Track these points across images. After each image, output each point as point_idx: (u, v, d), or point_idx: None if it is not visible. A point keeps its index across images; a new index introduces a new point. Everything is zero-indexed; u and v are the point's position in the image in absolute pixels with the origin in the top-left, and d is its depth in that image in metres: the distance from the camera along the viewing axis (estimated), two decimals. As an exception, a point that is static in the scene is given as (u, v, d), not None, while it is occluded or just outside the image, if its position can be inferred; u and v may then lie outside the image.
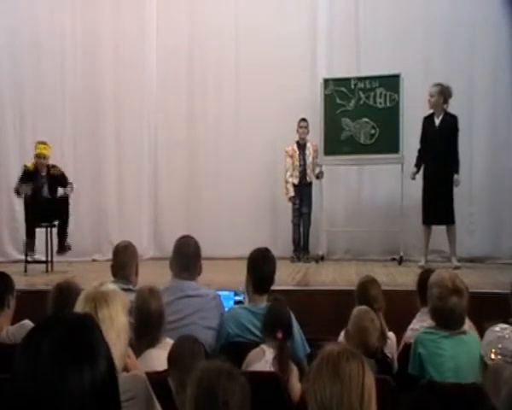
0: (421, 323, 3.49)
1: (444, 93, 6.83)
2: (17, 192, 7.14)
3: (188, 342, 2.55)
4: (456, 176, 6.76)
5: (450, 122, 6.82)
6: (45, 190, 7.22)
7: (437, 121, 6.89)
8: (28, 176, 7.16)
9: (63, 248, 7.24)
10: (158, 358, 2.74)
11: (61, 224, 7.23)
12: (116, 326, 1.98)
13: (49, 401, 1.07)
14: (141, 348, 2.79)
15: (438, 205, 6.78)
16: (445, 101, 6.86)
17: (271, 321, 3.09)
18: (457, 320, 2.95)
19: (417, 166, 6.99)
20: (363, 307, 3.22)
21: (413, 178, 7.02)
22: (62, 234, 7.26)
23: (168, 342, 2.87)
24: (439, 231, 7.01)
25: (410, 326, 3.60)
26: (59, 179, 7.27)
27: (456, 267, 6.37)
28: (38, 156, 7.19)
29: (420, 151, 7.01)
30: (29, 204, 7.08)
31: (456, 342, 2.92)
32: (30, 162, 7.32)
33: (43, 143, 7.25)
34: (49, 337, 1.11)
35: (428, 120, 6.96)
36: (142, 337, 2.81)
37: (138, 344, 2.80)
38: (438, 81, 6.97)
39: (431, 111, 6.95)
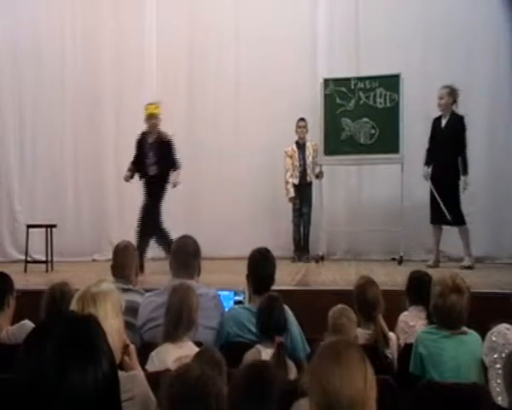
0: (417, 319, 3.50)
1: (453, 94, 6.84)
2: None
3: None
4: (463, 178, 6.72)
5: (456, 122, 6.81)
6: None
7: (443, 122, 6.89)
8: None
9: None
10: (170, 354, 2.76)
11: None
12: (105, 327, 1.98)
13: (51, 400, 1.07)
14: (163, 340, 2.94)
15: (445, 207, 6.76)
16: (454, 101, 6.87)
17: (266, 324, 3.10)
18: (457, 319, 2.95)
19: (428, 163, 6.96)
20: (339, 306, 3.28)
21: (427, 179, 6.96)
22: None
23: (188, 344, 2.89)
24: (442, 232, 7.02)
25: (403, 318, 3.61)
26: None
27: (464, 267, 6.45)
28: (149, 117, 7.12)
29: (428, 150, 7.00)
30: None
31: (456, 342, 2.93)
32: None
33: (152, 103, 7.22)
34: (51, 337, 1.12)
35: (437, 122, 6.97)
36: (165, 330, 2.96)
37: (162, 336, 2.96)
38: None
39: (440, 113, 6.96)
